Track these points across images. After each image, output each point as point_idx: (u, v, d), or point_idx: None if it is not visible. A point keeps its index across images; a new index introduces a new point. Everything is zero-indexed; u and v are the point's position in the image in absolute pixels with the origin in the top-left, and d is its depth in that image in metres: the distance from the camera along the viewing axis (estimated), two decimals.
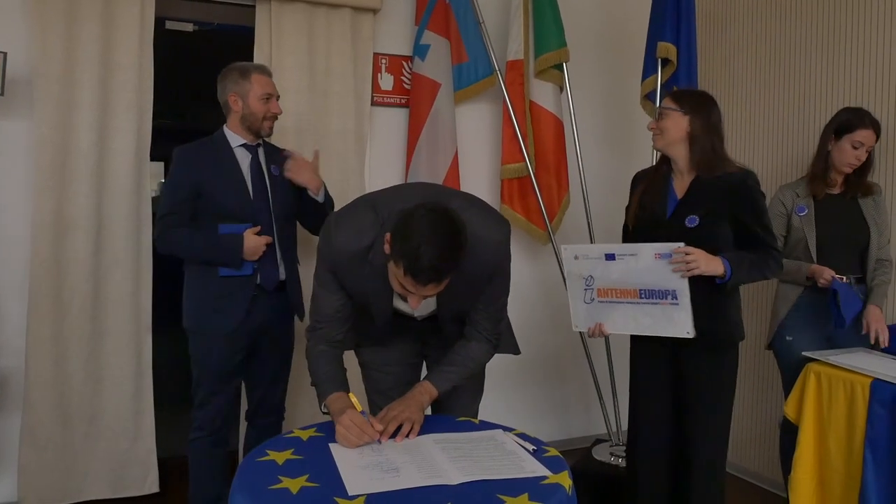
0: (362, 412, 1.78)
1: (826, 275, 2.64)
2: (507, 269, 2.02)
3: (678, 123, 2.31)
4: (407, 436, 1.79)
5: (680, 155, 2.34)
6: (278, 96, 2.65)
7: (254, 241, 2.49)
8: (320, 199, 2.66)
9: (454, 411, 2.11)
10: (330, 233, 1.91)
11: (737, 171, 2.30)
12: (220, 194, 2.52)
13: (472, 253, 1.76)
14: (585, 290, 2.35)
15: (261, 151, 2.65)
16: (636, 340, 2.46)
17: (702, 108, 2.31)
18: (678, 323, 2.21)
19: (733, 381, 2.38)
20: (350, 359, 2.14)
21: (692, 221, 2.26)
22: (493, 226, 1.93)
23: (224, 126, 2.63)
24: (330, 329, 1.98)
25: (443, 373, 2.02)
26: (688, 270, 2.14)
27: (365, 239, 1.86)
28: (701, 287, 2.20)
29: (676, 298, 2.19)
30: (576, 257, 2.36)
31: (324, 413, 1.90)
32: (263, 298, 2.58)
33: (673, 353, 2.35)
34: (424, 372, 2.26)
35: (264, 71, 2.63)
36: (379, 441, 1.76)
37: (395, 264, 1.68)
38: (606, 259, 2.29)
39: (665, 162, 2.42)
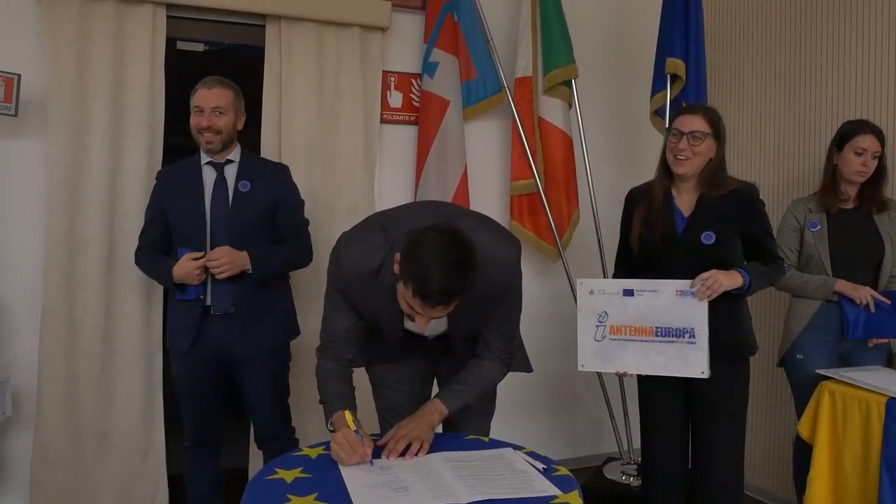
0: (356, 431, 1.76)
1: (864, 293, 2.59)
2: (519, 287, 2.01)
3: (710, 149, 2.28)
4: (416, 454, 1.78)
5: (693, 176, 2.32)
6: (217, 108, 2.51)
7: (183, 267, 2.41)
8: (251, 273, 2.48)
9: (465, 430, 2.09)
10: (340, 253, 1.92)
11: (740, 185, 2.30)
12: (177, 215, 2.53)
13: (482, 273, 1.76)
14: (598, 326, 2.27)
15: (230, 168, 2.58)
16: None
17: (724, 131, 2.31)
18: (693, 363, 2.16)
19: (746, 395, 2.37)
20: (361, 375, 2.13)
21: (709, 238, 2.24)
22: (503, 245, 1.93)
23: None
24: (340, 348, 1.98)
25: (454, 391, 2.01)
26: (712, 292, 2.13)
27: (375, 259, 1.86)
28: (715, 300, 2.18)
29: (694, 337, 2.15)
30: (591, 292, 2.28)
31: (330, 431, 1.89)
32: (218, 322, 2.50)
33: None
34: (435, 388, 2.26)
35: (206, 83, 2.55)
36: (388, 458, 1.76)
37: (405, 286, 1.68)
38: (624, 295, 2.23)
39: (664, 178, 2.37)
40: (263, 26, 3.22)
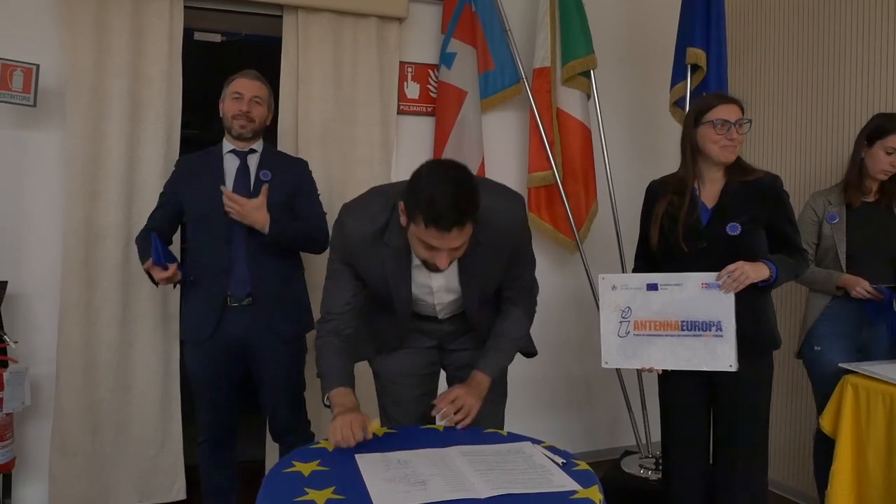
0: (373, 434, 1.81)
1: (861, 286, 2.58)
2: (529, 241, 2.04)
3: (744, 134, 2.27)
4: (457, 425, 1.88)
5: (721, 166, 2.30)
6: (256, 97, 2.56)
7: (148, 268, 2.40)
8: (266, 233, 2.45)
9: (480, 418, 2.04)
10: (342, 222, 1.92)
11: (763, 175, 2.28)
12: (195, 200, 2.53)
13: (487, 222, 1.79)
14: (621, 322, 2.22)
15: (252, 157, 2.60)
16: None
17: None
18: (721, 356, 2.12)
19: (769, 389, 2.34)
20: (363, 370, 2.12)
21: (734, 229, 2.21)
22: (505, 196, 1.93)
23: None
24: (339, 322, 1.97)
25: (490, 359, 2.03)
26: (739, 284, 2.09)
27: (378, 221, 1.86)
28: (742, 293, 2.14)
29: (721, 330, 2.11)
30: (613, 287, 2.22)
31: (325, 405, 1.89)
32: (236, 312, 2.50)
33: None
34: (441, 386, 2.24)
35: (247, 73, 2.60)
36: (437, 416, 1.89)
37: (415, 222, 1.68)
38: (648, 289, 2.18)
39: (688, 170, 2.33)
40: (280, 17, 3.22)
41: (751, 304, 2.20)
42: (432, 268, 1.81)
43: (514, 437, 1.88)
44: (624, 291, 2.21)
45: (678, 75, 3.37)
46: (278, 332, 2.56)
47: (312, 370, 2.75)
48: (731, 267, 2.09)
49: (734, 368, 2.11)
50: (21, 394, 2.69)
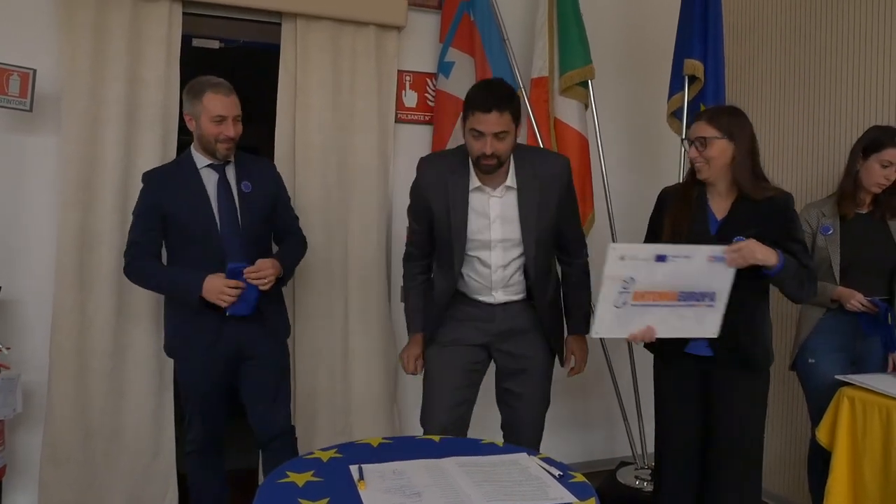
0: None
1: (856, 299, 2.57)
2: (576, 199, 2.48)
3: (724, 151, 2.22)
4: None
5: (723, 180, 2.27)
6: (238, 115, 2.47)
7: (216, 284, 2.36)
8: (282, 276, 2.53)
9: (523, 421, 2.49)
10: (419, 170, 2.40)
11: (777, 193, 2.24)
12: (185, 218, 2.45)
13: (541, 162, 2.33)
14: (622, 292, 2.18)
15: (230, 169, 2.53)
16: (661, 360, 2.41)
17: (742, 128, 2.24)
18: (707, 324, 2.17)
19: (764, 405, 2.32)
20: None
21: (741, 241, 2.20)
22: (556, 153, 2.68)
23: (191, 146, 2.54)
24: (419, 249, 2.49)
25: (574, 320, 2.55)
26: (744, 261, 2.09)
27: (447, 161, 2.36)
28: (741, 304, 2.15)
29: (714, 300, 2.15)
30: (622, 258, 2.17)
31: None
32: (231, 323, 2.47)
33: (702, 376, 2.29)
34: (484, 393, 2.54)
35: (220, 89, 2.43)
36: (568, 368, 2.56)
37: (466, 119, 2.18)
38: (656, 260, 2.16)
39: (697, 181, 2.32)
40: (279, 24, 3.21)
41: (749, 318, 2.19)
42: (484, 166, 2.19)
43: (510, 449, 1.87)
44: (631, 262, 2.16)
45: (675, 86, 3.38)
46: (275, 336, 2.60)
47: (345, 376, 2.77)
48: (741, 243, 2.10)
49: (716, 335, 2.17)
50: (13, 400, 2.67)
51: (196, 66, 3.23)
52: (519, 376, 2.45)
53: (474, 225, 2.30)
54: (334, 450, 1.82)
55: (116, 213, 2.92)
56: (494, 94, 2.13)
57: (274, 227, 2.68)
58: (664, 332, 2.20)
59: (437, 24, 3.52)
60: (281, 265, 2.49)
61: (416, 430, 2.46)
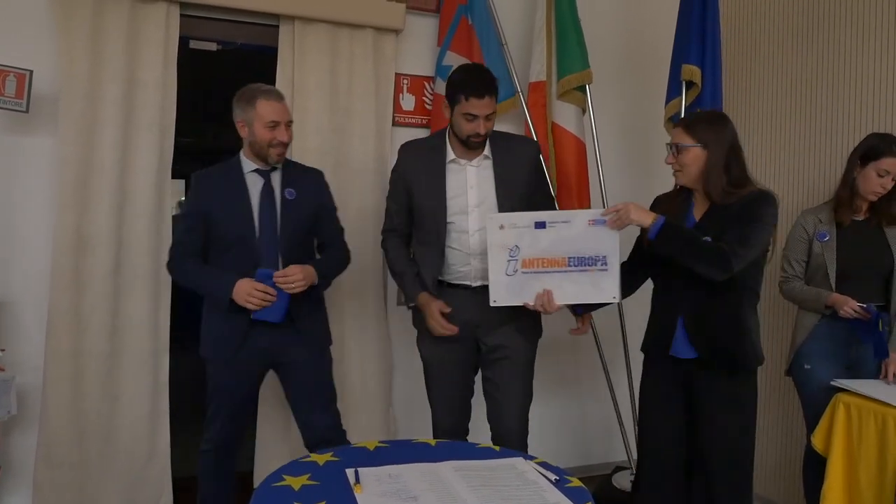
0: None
1: (849, 305, 2.57)
2: (545, 176, 2.69)
3: (697, 159, 2.24)
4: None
5: (699, 185, 2.28)
6: (290, 121, 2.54)
7: (245, 287, 2.37)
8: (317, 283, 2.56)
9: (508, 407, 2.56)
10: (402, 148, 2.59)
11: (752, 192, 2.23)
12: (224, 222, 2.49)
13: (511, 137, 2.66)
14: (509, 261, 2.28)
15: (275, 175, 2.57)
16: (648, 363, 2.42)
17: (718, 136, 2.23)
18: (605, 289, 2.23)
19: (752, 410, 2.31)
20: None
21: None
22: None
23: (241, 150, 2.59)
24: (399, 226, 2.61)
25: None
26: (622, 223, 2.17)
27: (425, 141, 2.62)
28: (723, 306, 2.15)
29: (606, 264, 2.20)
30: (501, 227, 2.27)
31: (409, 307, 2.60)
32: (265, 326, 2.48)
33: (686, 379, 2.29)
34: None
35: (272, 95, 2.51)
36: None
37: (459, 103, 2.34)
38: (536, 227, 2.25)
39: (684, 187, 2.36)
40: (277, 26, 3.21)
41: (730, 315, 2.19)
42: (473, 143, 2.40)
43: (506, 453, 1.87)
44: (512, 230, 2.27)
45: (673, 91, 3.38)
46: (312, 343, 2.61)
47: (340, 379, 2.81)
48: (618, 205, 2.18)
49: (617, 300, 2.23)
50: (7, 402, 2.66)
51: (193, 68, 3.24)
52: (497, 365, 2.55)
53: (452, 191, 2.46)
54: (330, 453, 1.82)
55: (113, 214, 2.91)
56: (486, 80, 2.37)
57: (317, 236, 2.70)
58: (562, 297, 2.26)
59: (435, 27, 3.52)
60: (316, 272, 2.50)
61: (412, 434, 2.47)
